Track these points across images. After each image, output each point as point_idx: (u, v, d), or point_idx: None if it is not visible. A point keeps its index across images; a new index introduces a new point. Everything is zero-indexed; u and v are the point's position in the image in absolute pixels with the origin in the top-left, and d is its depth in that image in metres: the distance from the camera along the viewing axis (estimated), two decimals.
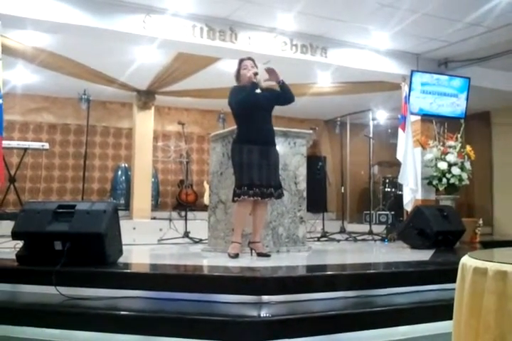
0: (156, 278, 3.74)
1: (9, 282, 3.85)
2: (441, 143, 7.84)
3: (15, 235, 4.01)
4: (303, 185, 5.67)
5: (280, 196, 5.02)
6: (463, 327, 2.04)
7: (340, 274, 3.91)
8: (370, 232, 7.92)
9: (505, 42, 7.41)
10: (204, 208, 9.02)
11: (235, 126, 5.09)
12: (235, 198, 4.81)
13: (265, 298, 3.40)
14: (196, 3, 6.43)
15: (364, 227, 8.68)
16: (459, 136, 7.85)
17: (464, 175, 7.61)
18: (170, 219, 7.98)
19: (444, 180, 7.58)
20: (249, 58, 5.13)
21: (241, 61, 5.10)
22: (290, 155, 5.61)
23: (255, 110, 4.89)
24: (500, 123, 10.86)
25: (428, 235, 6.12)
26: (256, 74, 4.91)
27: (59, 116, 10.74)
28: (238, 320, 3.09)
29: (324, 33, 7.39)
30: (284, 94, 5.04)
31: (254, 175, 4.78)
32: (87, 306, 3.37)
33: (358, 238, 7.67)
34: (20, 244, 4.12)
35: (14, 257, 4.04)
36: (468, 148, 7.80)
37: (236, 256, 4.76)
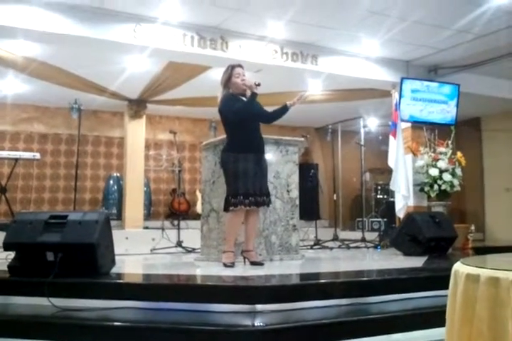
0: (149, 289, 3.73)
1: (1, 293, 3.81)
2: (432, 150, 7.87)
3: (6, 246, 3.99)
4: (295, 193, 5.66)
5: (269, 203, 5.03)
6: (456, 333, 2.04)
7: (334, 282, 3.91)
8: (363, 239, 7.94)
9: (494, 49, 7.47)
10: (197, 217, 9.02)
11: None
12: (231, 207, 4.76)
13: (259, 306, 3.39)
14: (187, 11, 6.44)
15: (357, 234, 8.69)
16: (449, 142, 7.88)
17: (455, 182, 7.64)
18: (162, 229, 7.95)
19: (436, 187, 7.61)
20: (240, 65, 5.05)
21: (232, 68, 4.98)
22: (282, 163, 5.62)
23: (251, 120, 4.91)
24: (490, 129, 10.93)
25: (420, 242, 6.13)
26: (259, 85, 4.80)
27: (50, 126, 10.71)
28: (232, 329, 3.08)
29: (315, 40, 7.43)
30: (274, 115, 5.10)
31: (249, 184, 4.78)
32: (80, 317, 3.35)
33: (351, 245, 7.68)
34: (11, 254, 4.08)
35: (6, 268, 4.01)
36: (459, 154, 7.83)
37: (232, 265, 4.75)
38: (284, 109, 5.04)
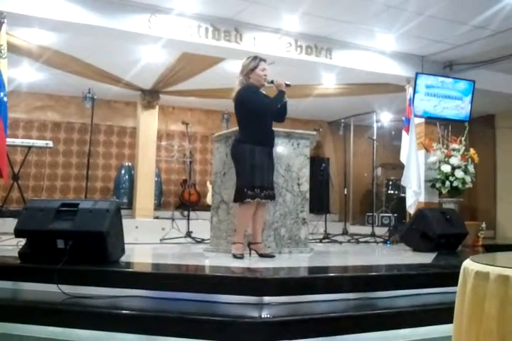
0: (158, 278, 3.75)
1: (11, 280, 3.86)
2: (444, 146, 7.82)
3: (18, 233, 4.03)
4: (306, 186, 5.66)
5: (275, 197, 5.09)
6: (464, 331, 2.03)
7: (342, 276, 3.92)
8: (373, 234, 7.92)
9: (510, 46, 7.38)
10: (207, 208, 9.00)
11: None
12: (248, 199, 4.73)
13: (266, 299, 3.40)
14: (202, 3, 6.43)
15: (366, 229, 8.69)
16: (462, 138, 7.82)
17: (468, 178, 7.59)
18: (172, 219, 7.97)
19: (448, 183, 7.56)
20: (265, 60, 5.05)
21: (260, 60, 4.96)
22: (293, 156, 5.61)
23: (269, 114, 4.96)
24: (504, 127, 10.83)
25: (430, 238, 6.11)
26: (289, 85, 4.98)
27: (63, 115, 10.75)
28: (239, 320, 3.09)
29: (329, 34, 7.39)
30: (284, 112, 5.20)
31: (265, 177, 4.83)
32: (89, 305, 3.38)
33: (361, 240, 7.68)
34: (22, 241, 4.13)
35: (17, 255, 4.05)
36: (472, 151, 7.78)
37: (242, 256, 4.77)
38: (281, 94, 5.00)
